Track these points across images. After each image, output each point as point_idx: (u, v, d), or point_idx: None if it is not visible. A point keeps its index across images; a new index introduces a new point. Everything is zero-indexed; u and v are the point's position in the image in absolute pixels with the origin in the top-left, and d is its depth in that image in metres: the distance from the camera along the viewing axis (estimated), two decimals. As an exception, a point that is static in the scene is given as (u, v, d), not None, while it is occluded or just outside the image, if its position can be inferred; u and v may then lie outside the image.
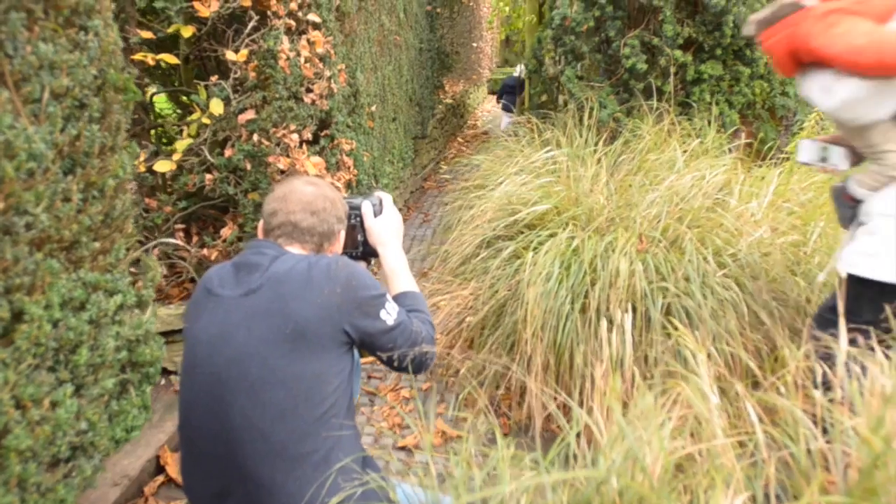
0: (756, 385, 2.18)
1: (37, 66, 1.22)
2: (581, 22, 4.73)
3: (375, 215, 1.94)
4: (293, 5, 2.52)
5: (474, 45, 11.52)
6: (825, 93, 1.82)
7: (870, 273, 1.80)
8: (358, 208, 1.93)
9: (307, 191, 1.69)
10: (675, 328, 2.02)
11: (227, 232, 2.59)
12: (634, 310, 2.43)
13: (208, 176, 2.50)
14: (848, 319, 1.85)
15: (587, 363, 2.41)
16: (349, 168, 3.21)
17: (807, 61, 1.85)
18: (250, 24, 2.45)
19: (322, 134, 3.00)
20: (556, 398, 2.52)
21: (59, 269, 1.28)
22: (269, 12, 2.46)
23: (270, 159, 2.48)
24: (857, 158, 1.97)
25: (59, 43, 1.29)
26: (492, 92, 15.96)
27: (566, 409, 2.55)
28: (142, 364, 1.54)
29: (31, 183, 1.20)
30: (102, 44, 1.40)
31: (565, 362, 2.49)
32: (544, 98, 5.77)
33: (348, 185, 3.23)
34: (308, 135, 2.74)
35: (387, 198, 1.98)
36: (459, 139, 9.72)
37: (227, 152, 2.48)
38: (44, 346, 1.24)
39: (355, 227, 1.92)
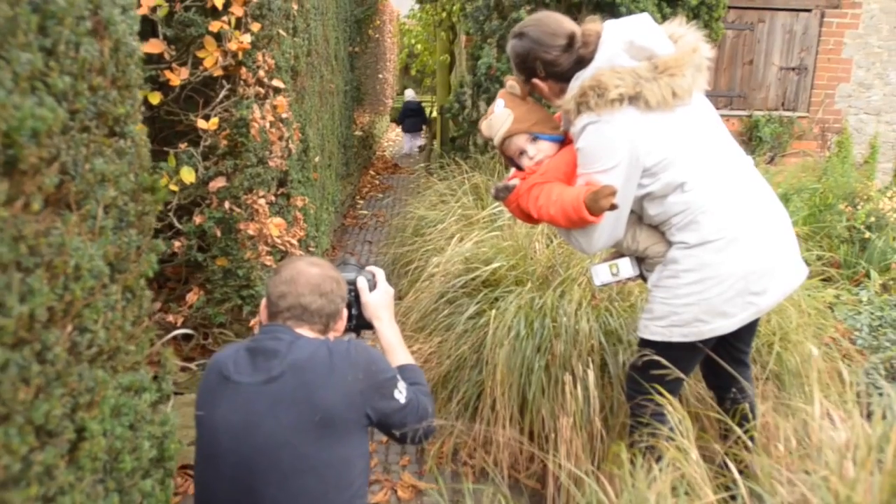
0: (713, 432, 2.42)
1: (93, 182, 1.24)
2: (506, 72, 4.98)
3: (370, 290, 2.02)
4: (261, 73, 2.56)
5: (380, 76, 11.64)
6: (571, 242, 2.06)
7: (646, 334, 2.04)
8: (353, 283, 2.00)
9: (314, 272, 1.75)
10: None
11: (192, 297, 2.57)
12: (594, 363, 2.61)
13: (176, 243, 2.47)
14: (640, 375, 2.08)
15: (553, 416, 2.56)
16: (300, 224, 3.24)
17: None
18: (221, 93, 2.46)
19: (279, 193, 3.02)
20: (521, 448, 2.66)
21: (108, 379, 1.29)
22: (240, 79, 2.48)
23: (241, 226, 2.49)
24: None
25: (107, 154, 1.30)
26: (394, 120, 15.98)
27: (531, 460, 2.69)
28: (166, 459, 1.54)
29: (90, 300, 1.21)
30: (137, 148, 1.42)
31: (531, 414, 2.64)
32: (466, 140, 5.97)
33: (300, 241, 3.26)
34: (272, 197, 2.76)
35: (379, 272, 2.06)
36: (371, 172, 9.78)
37: (197, 219, 2.46)
38: (99, 459, 1.24)
39: (349, 301, 2.00)
